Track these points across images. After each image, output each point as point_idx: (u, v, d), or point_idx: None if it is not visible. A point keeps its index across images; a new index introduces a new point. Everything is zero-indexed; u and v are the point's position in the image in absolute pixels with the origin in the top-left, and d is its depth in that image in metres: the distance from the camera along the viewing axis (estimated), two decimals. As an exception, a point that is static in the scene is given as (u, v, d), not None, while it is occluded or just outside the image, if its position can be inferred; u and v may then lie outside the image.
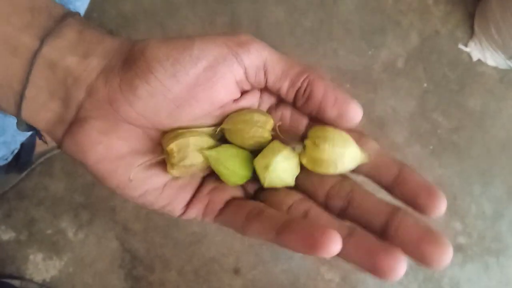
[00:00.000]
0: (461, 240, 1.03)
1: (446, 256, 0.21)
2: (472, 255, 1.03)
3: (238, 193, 0.27)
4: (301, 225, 0.21)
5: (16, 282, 0.88)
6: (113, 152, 0.24)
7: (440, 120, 1.08)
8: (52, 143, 0.88)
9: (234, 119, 0.26)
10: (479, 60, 1.12)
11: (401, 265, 0.21)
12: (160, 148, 0.26)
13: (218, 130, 0.26)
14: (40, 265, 0.92)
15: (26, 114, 0.25)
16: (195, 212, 0.27)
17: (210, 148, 0.26)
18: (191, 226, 0.95)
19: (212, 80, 0.23)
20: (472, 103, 1.10)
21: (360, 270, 0.22)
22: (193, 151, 0.25)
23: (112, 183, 0.25)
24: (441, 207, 0.23)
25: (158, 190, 0.26)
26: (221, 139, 0.27)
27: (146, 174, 0.26)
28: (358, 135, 0.26)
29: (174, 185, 0.26)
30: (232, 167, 0.25)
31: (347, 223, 0.24)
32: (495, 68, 1.12)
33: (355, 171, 0.25)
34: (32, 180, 0.93)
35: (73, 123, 0.25)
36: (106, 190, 0.26)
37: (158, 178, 0.26)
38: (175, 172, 0.25)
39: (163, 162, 0.26)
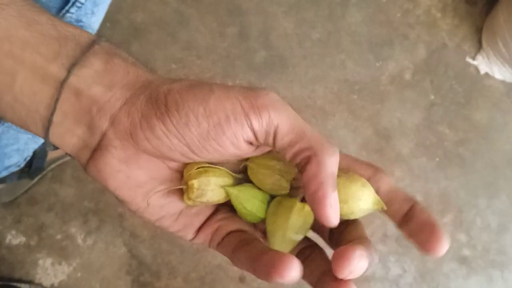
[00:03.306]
0: (466, 252, 1.03)
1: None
2: (477, 267, 1.03)
3: (246, 226, 0.28)
4: (268, 255, 0.23)
5: (25, 286, 0.89)
6: (133, 180, 0.26)
7: (446, 132, 1.09)
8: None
9: (258, 161, 0.27)
10: (486, 74, 1.13)
11: None
12: (177, 176, 0.28)
13: (241, 165, 0.28)
14: (49, 270, 0.93)
15: (53, 137, 0.26)
16: (203, 237, 0.28)
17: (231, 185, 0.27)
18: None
19: (222, 138, 0.24)
20: (478, 116, 1.11)
21: None
22: (212, 190, 0.26)
23: (132, 207, 0.27)
24: (442, 247, 0.23)
25: (174, 216, 0.28)
26: (242, 171, 0.28)
27: (164, 201, 0.27)
28: (373, 170, 0.27)
29: (189, 212, 0.28)
30: (250, 208, 0.27)
31: None
32: (502, 81, 1.13)
33: None
34: (43, 186, 0.95)
35: (96, 150, 0.26)
36: (115, 197, 0.28)
37: (174, 205, 0.28)
38: (190, 203, 0.27)
39: (180, 190, 0.27)
